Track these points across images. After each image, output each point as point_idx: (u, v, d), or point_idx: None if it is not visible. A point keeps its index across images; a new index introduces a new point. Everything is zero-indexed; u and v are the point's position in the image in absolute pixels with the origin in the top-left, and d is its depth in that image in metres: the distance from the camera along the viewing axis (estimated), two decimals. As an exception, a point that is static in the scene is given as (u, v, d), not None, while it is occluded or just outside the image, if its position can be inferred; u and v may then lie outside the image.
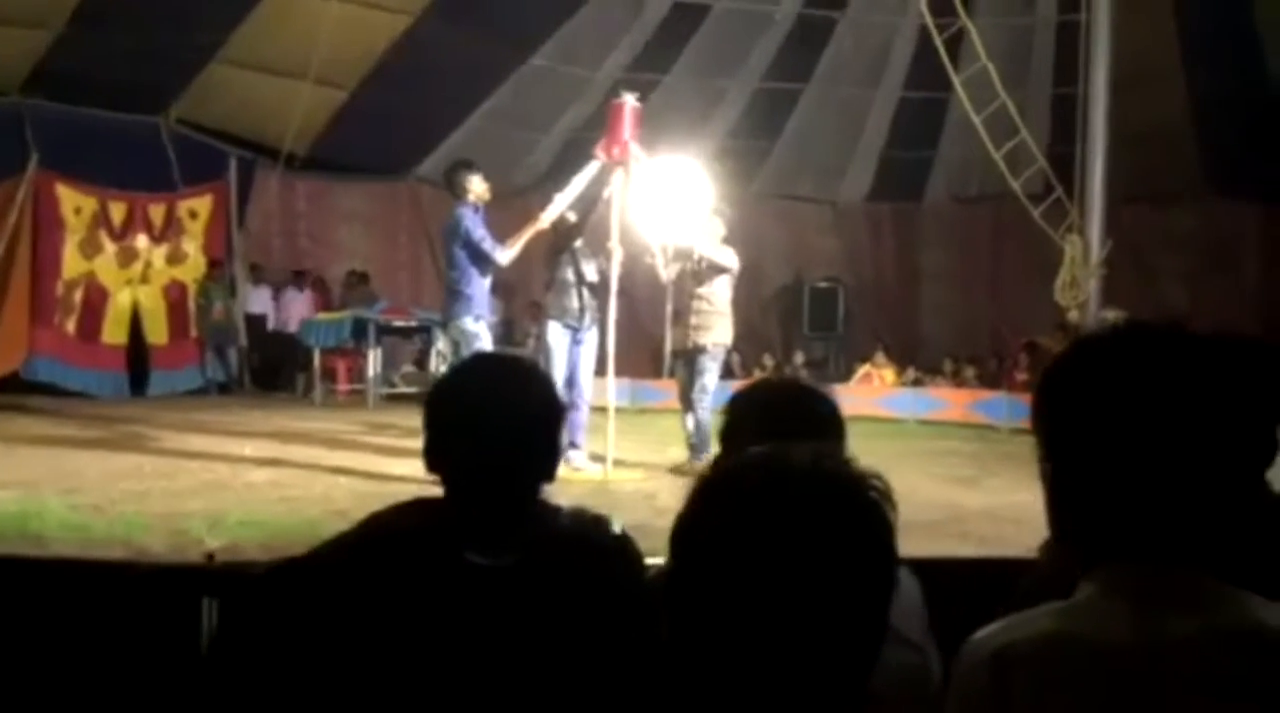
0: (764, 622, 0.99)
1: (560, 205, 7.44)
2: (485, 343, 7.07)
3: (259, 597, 1.75)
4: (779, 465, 1.04)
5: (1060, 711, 1.13)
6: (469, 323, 7.08)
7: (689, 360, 7.72)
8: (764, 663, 1.00)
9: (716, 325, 7.64)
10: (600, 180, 7.48)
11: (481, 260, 7.14)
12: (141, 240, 13.13)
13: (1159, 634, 1.13)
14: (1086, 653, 1.13)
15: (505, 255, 7.19)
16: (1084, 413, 1.19)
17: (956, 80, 10.57)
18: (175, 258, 13.42)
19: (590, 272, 7.50)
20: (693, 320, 7.70)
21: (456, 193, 7.29)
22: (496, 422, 1.76)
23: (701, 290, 7.66)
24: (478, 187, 7.25)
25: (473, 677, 1.67)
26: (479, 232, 7.12)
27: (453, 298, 7.20)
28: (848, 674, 1.02)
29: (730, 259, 7.70)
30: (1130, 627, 1.14)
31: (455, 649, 1.68)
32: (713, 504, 1.05)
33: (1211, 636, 1.12)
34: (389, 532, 1.75)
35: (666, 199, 7.60)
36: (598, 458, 7.24)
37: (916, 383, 13.60)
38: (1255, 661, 1.11)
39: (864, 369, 13.88)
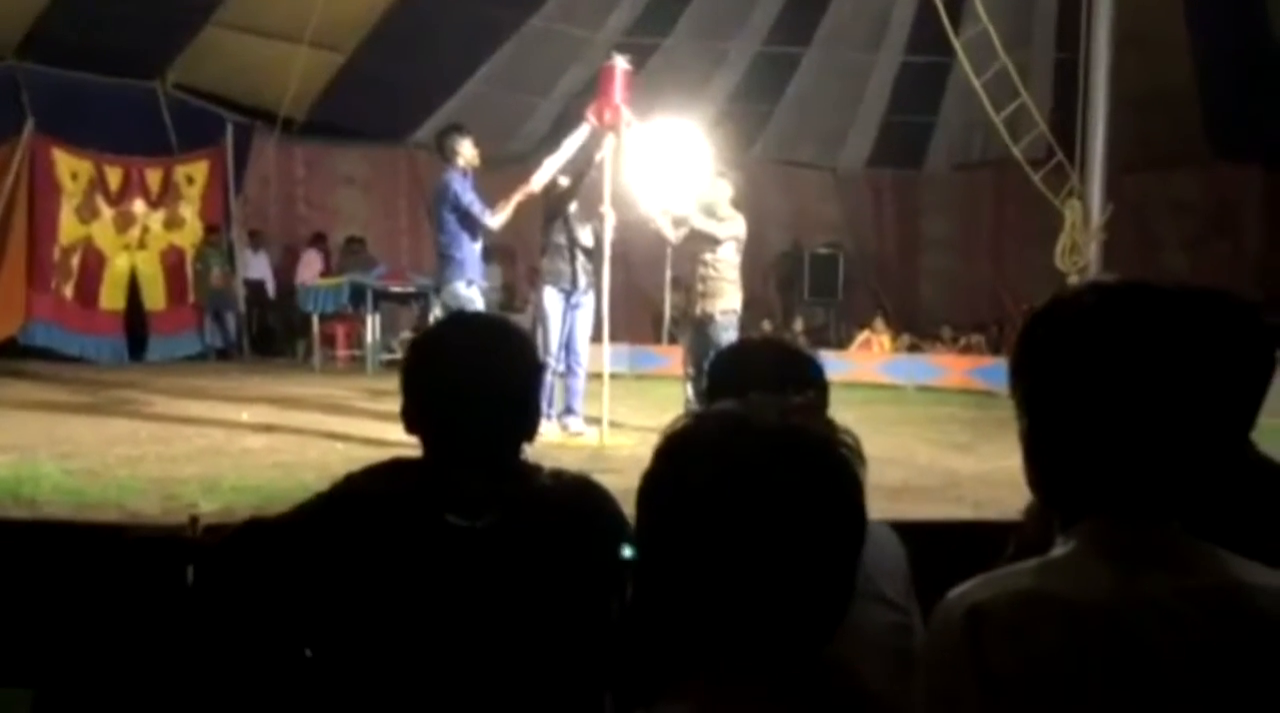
0: (727, 577, 0.98)
1: (550, 169, 7.38)
2: (478, 307, 7.03)
3: (227, 555, 1.74)
4: (741, 420, 1.03)
5: (1034, 668, 1.12)
6: (461, 287, 7.06)
7: (698, 327, 7.64)
8: (727, 618, 0.99)
9: (725, 292, 7.54)
10: (592, 144, 7.42)
11: (471, 225, 7.10)
12: (138, 205, 13.09)
13: (1135, 592, 1.11)
14: (1061, 610, 1.12)
15: (495, 219, 7.15)
16: (1060, 368, 1.18)
17: (957, 43, 10.46)
18: (173, 223, 13.38)
19: (584, 236, 7.45)
20: (699, 287, 7.61)
21: (446, 156, 7.25)
22: (474, 382, 1.75)
23: (707, 256, 7.57)
24: (468, 151, 7.20)
25: (452, 637, 1.66)
26: (468, 196, 7.08)
27: (444, 263, 7.17)
28: (814, 629, 1.01)
29: (728, 228, 7.57)
30: (1106, 584, 1.12)
31: (435, 610, 1.67)
32: (675, 459, 1.03)
33: (1188, 594, 1.11)
34: (365, 493, 1.74)
35: (661, 163, 7.55)
36: (593, 422, 7.24)
37: (912, 349, 13.58)
38: (1231, 619, 1.10)
39: (863, 335, 13.87)
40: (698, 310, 7.61)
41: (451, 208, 7.08)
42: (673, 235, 7.72)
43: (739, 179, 7.96)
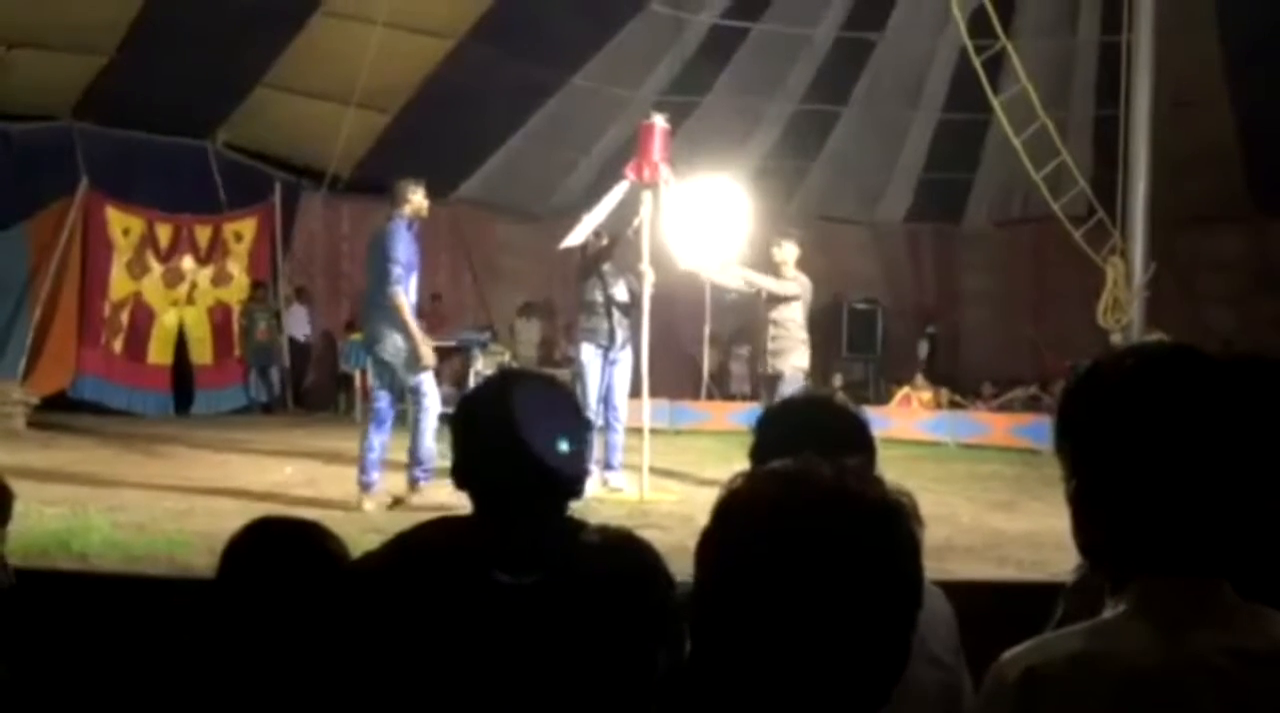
0: (785, 637, 0.99)
1: (588, 226, 7.44)
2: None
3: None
4: (801, 479, 1.04)
5: (1087, 730, 1.13)
6: (400, 341, 6.59)
7: (768, 384, 7.77)
8: (785, 679, 1.00)
9: (794, 350, 7.66)
10: (630, 203, 7.49)
11: (407, 276, 6.59)
12: (188, 262, 13.35)
13: (1185, 652, 1.12)
14: (1113, 672, 1.13)
15: (394, 292, 6.51)
16: (1103, 432, 1.20)
17: (995, 102, 10.51)
18: (220, 279, 13.62)
19: (619, 292, 7.50)
20: (769, 346, 7.72)
21: (394, 202, 6.86)
22: (522, 440, 1.77)
23: (774, 315, 7.69)
24: (417, 198, 6.82)
25: (500, 694, 1.67)
26: (395, 252, 6.56)
27: (378, 317, 6.68)
28: (870, 692, 1.02)
29: (792, 287, 7.67)
30: (1157, 645, 1.13)
31: (483, 667, 1.69)
32: (734, 518, 1.05)
33: (1238, 654, 1.11)
34: (416, 550, 1.76)
35: (701, 219, 7.62)
36: (633, 479, 7.24)
37: (953, 406, 13.48)
38: (1281, 680, 1.10)
39: (903, 391, 13.79)
40: (769, 368, 7.70)
41: (383, 258, 6.60)
42: (735, 280, 7.74)
43: (804, 239, 8.05)
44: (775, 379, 7.64)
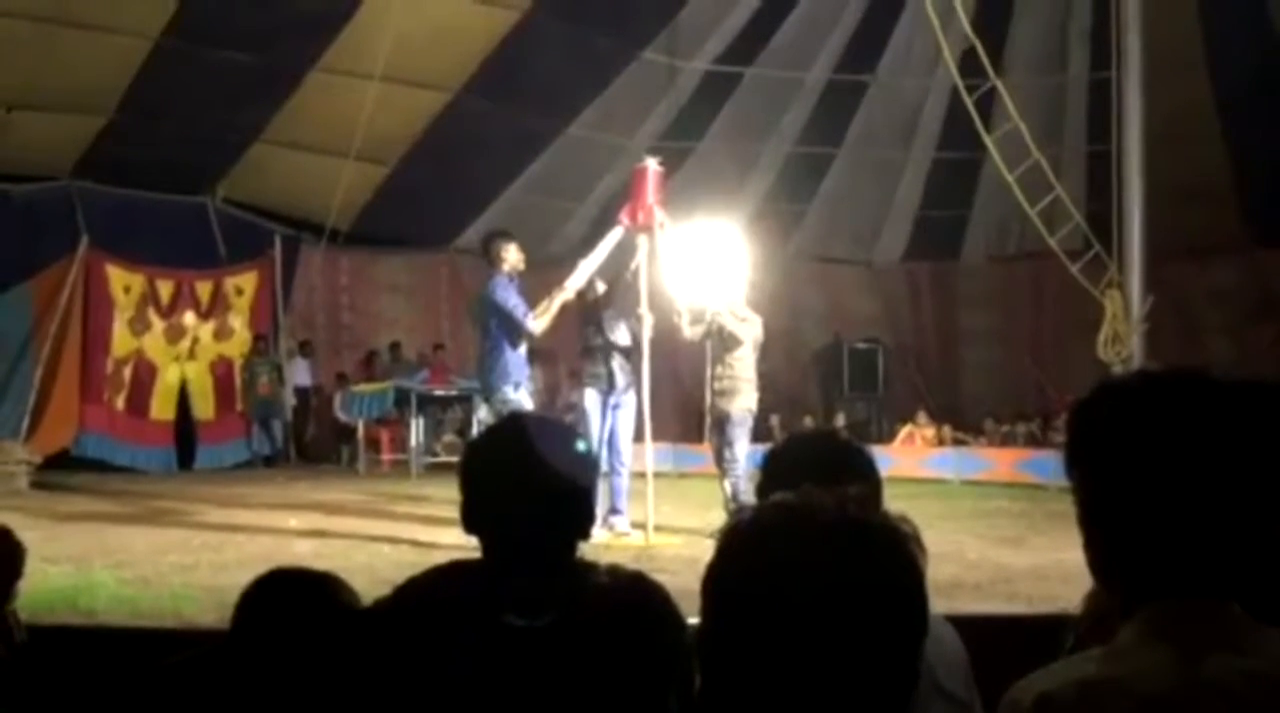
0: (792, 667, 0.99)
1: (585, 272, 7.48)
2: (527, 409, 7.03)
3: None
4: (802, 509, 1.05)
5: (1102, 757, 1.13)
6: (509, 392, 7.05)
7: (719, 426, 7.79)
8: (794, 710, 1.00)
9: (742, 391, 7.70)
10: (627, 248, 7.52)
11: (514, 329, 7.12)
12: (189, 317, 13.41)
13: (1199, 676, 1.12)
14: (1128, 696, 1.13)
15: (537, 324, 7.14)
16: (1109, 455, 1.20)
17: (988, 139, 10.60)
18: (222, 334, 13.68)
19: (620, 336, 7.54)
20: (716, 386, 7.79)
21: (492, 262, 7.31)
22: (531, 482, 1.78)
23: (726, 357, 7.75)
24: (513, 256, 7.25)
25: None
26: (512, 300, 7.11)
27: (489, 368, 7.18)
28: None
29: (750, 330, 7.73)
30: (1171, 668, 1.13)
31: (496, 711, 1.69)
32: (738, 550, 1.06)
33: (1252, 677, 1.11)
34: (426, 596, 1.77)
35: (695, 262, 7.67)
36: (638, 524, 7.22)
37: (957, 442, 13.47)
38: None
39: (906, 429, 13.79)
40: (716, 410, 7.75)
41: (495, 313, 7.12)
42: (688, 332, 7.86)
43: (754, 280, 8.10)
44: (722, 420, 7.68)
